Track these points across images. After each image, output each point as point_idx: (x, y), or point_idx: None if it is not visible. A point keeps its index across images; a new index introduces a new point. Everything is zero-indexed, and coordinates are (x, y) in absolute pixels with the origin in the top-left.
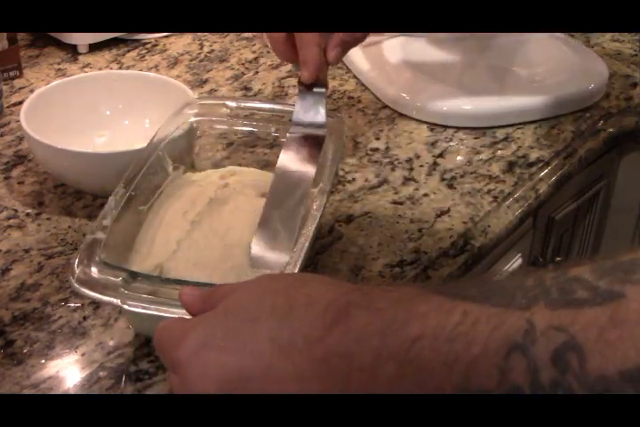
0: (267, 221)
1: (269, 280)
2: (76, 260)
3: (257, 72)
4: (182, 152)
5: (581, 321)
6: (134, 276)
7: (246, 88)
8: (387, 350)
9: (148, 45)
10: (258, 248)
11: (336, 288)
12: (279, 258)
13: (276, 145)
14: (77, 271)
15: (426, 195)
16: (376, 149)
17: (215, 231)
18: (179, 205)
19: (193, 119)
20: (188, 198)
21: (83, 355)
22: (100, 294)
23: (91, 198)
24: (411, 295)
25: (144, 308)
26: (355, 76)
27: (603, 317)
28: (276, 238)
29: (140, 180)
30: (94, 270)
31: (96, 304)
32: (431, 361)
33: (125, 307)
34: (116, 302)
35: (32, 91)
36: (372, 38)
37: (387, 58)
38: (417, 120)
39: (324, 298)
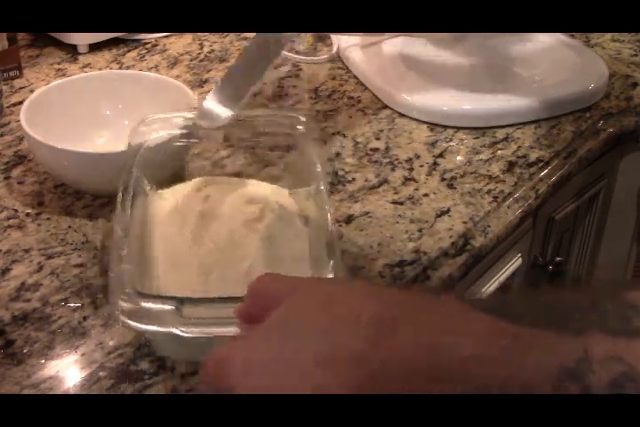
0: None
1: (311, 292)
2: (109, 293)
3: None
4: (155, 168)
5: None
6: (182, 302)
7: None
8: (437, 369)
9: (148, 45)
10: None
11: (379, 301)
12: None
13: (276, 147)
14: (123, 304)
15: (426, 195)
16: (376, 149)
17: (217, 245)
18: (170, 226)
19: (154, 134)
20: (176, 217)
21: (83, 355)
22: (156, 325)
23: (91, 198)
24: (458, 312)
25: (205, 332)
26: (355, 76)
27: None
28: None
29: (129, 209)
30: (140, 301)
31: (96, 304)
32: (483, 384)
33: (186, 335)
34: (176, 330)
35: (32, 91)
36: (372, 38)
37: (387, 58)
38: (417, 120)
39: (367, 313)
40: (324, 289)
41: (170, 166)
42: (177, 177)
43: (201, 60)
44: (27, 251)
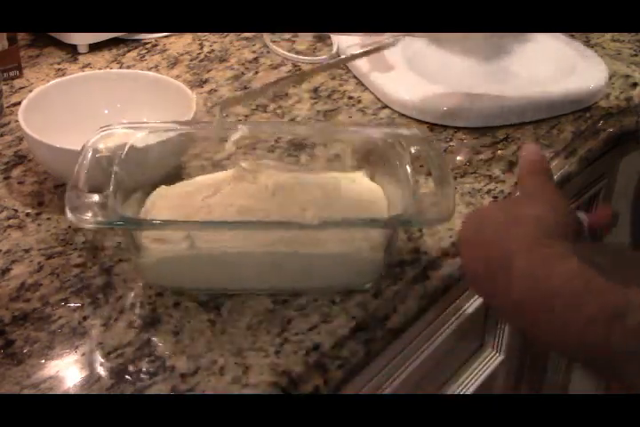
0: None
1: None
2: None
3: (257, 72)
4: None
5: None
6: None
7: (246, 88)
8: (535, 295)
9: (148, 45)
10: None
11: (521, 240)
12: None
13: (277, 147)
14: None
15: None
16: None
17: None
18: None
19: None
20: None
21: (83, 355)
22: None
23: None
24: (557, 254)
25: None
26: (355, 76)
27: None
28: None
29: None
30: None
31: (96, 304)
32: (563, 316)
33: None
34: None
35: (32, 91)
36: (371, 38)
37: (387, 58)
38: (417, 120)
39: (512, 246)
40: (500, 211)
41: (161, 167)
42: (175, 177)
43: (201, 60)
44: (27, 251)
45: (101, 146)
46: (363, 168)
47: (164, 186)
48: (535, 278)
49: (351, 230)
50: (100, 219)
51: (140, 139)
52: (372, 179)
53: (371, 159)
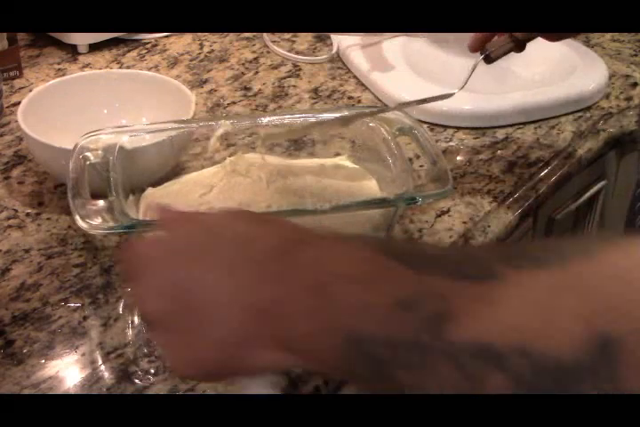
0: None
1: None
2: None
3: (257, 72)
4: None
5: (462, 293)
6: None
7: (246, 88)
8: (317, 280)
9: (148, 45)
10: None
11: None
12: None
13: (276, 145)
14: None
15: None
16: None
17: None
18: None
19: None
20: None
21: (83, 355)
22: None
23: None
24: (352, 246)
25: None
26: (355, 76)
27: (479, 293)
28: None
29: None
30: None
31: (96, 304)
32: (342, 301)
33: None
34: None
35: (32, 91)
36: (372, 38)
37: (387, 58)
38: (417, 120)
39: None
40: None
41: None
42: (175, 177)
43: (201, 60)
44: (27, 251)
45: (88, 153)
46: (346, 153)
47: (150, 187)
48: (318, 265)
49: (356, 213)
50: (112, 224)
51: (131, 141)
52: (357, 162)
53: (355, 143)
